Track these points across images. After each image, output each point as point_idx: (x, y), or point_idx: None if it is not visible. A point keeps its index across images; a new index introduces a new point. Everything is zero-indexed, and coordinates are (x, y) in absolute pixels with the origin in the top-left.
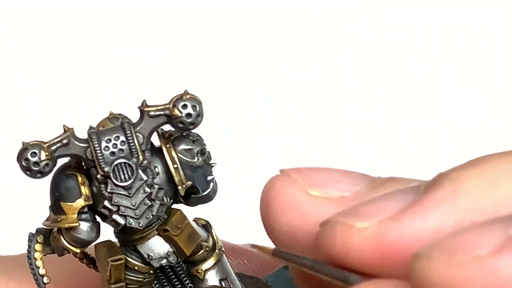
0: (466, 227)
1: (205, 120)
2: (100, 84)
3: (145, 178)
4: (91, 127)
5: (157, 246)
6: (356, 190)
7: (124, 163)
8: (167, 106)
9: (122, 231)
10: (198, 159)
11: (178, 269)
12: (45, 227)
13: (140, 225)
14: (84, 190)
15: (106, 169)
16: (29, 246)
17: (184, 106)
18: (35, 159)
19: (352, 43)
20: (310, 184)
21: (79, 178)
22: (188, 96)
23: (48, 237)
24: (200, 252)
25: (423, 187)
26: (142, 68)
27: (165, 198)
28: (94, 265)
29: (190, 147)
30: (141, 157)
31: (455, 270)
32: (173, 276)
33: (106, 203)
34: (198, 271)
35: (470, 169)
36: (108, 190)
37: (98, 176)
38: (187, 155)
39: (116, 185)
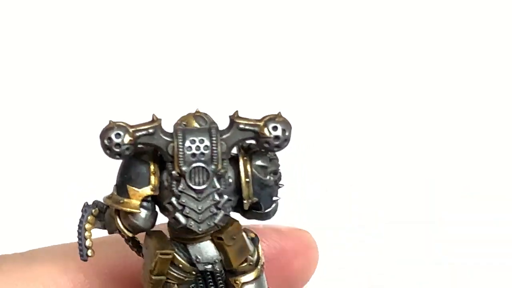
0: None
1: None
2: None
3: (217, 186)
4: (178, 123)
5: (207, 251)
6: None
7: (202, 167)
8: (258, 123)
9: (178, 228)
10: (270, 178)
11: (217, 275)
12: (104, 202)
13: (200, 229)
14: (154, 180)
15: (183, 168)
16: (82, 216)
17: (275, 128)
18: (118, 140)
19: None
20: None
21: (152, 167)
22: (281, 119)
23: (103, 212)
24: (244, 265)
25: None
26: (145, 68)
27: (228, 209)
28: (138, 250)
29: (265, 165)
30: (219, 166)
31: None
32: (211, 282)
33: (173, 200)
34: (237, 282)
35: None
36: (179, 188)
37: (173, 172)
38: (261, 172)
39: (189, 186)
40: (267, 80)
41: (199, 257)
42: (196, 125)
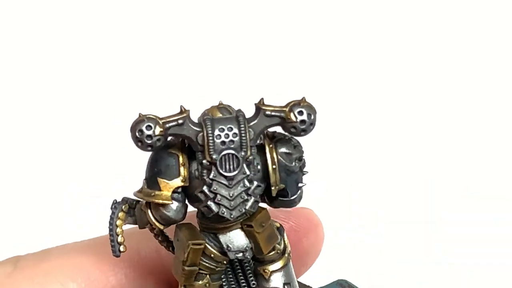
0: None
1: None
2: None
3: (248, 172)
4: (205, 113)
5: (238, 239)
6: None
7: (232, 154)
8: (284, 109)
9: (208, 218)
10: (295, 164)
11: (246, 264)
12: (134, 197)
13: (232, 216)
14: (183, 171)
15: (214, 156)
16: (113, 213)
17: (300, 113)
18: (149, 132)
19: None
20: None
21: (181, 159)
22: (305, 104)
23: (133, 208)
24: (272, 253)
25: None
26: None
27: (258, 196)
28: (167, 244)
29: (290, 151)
30: (249, 152)
31: None
32: (239, 271)
33: (205, 188)
34: (265, 270)
35: None
36: (211, 176)
37: (204, 161)
38: (286, 159)
39: (220, 174)
40: (266, 81)
41: (230, 245)
42: (220, 115)
